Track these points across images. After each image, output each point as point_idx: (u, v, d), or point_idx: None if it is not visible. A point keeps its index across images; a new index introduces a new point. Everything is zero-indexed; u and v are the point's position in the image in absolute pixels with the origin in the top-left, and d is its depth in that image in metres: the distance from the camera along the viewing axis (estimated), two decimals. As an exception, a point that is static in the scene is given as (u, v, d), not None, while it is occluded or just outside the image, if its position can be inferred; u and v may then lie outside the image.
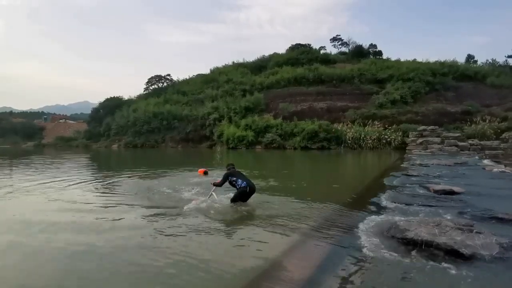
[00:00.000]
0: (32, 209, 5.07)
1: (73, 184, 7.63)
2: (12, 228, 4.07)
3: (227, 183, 5.35)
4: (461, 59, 42.64)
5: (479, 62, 45.47)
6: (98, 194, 6.57)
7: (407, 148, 20.63)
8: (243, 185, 5.14)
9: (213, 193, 5.36)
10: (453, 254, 2.55)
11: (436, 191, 5.26)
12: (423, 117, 27.92)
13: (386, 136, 25.42)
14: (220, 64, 52.61)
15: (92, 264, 2.91)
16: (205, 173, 6.37)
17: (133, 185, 7.65)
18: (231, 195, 5.34)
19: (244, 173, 5.59)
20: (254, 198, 5.27)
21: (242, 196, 5.16)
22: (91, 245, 3.36)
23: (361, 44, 50.54)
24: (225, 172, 5.52)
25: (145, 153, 26.30)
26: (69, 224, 4.16)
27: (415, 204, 4.50)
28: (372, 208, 4.53)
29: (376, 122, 27.54)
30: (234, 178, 5.32)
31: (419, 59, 40.70)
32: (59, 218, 4.47)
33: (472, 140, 19.06)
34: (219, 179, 5.45)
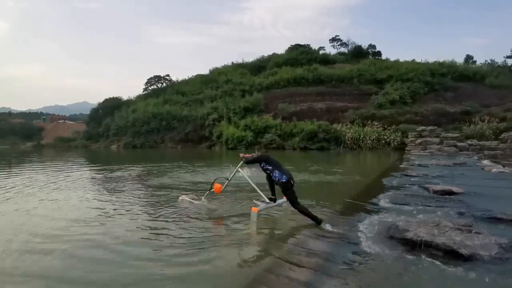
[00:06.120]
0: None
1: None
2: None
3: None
4: (460, 60, 42.87)
5: (478, 63, 45.72)
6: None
7: (406, 148, 20.61)
8: (283, 179, 3.94)
9: (240, 169, 4.68)
10: (452, 255, 2.56)
11: (435, 192, 5.27)
12: (422, 118, 27.96)
13: (385, 137, 25.43)
14: (220, 64, 52.77)
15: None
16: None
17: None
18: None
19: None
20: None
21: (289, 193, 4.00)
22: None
23: (360, 44, 50.82)
24: (260, 154, 4.44)
25: (150, 153, 26.26)
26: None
27: (414, 205, 4.50)
28: (372, 208, 4.53)
29: (375, 123, 27.55)
30: (270, 168, 4.13)
31: (418, 60, 40.91)
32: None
33: (471, 141, 19.06)
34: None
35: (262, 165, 4.23)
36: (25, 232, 3.88)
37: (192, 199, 5.40)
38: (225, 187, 5.00)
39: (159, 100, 43.99)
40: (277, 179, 4.01)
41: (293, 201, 3.95)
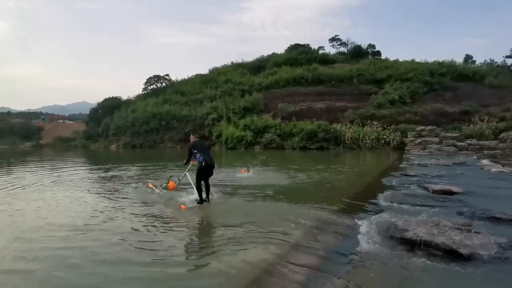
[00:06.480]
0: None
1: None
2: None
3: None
4: (459, 60, 42.86)
5: (477, 63, 45.72)
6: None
7: (405, 148, 20.62)
8: (200, 159, 5.07)
9: (187, 173, 5.87)
10: (452, 254, 2.55)
11: (434, 191, 5.26)
12: (422, 117, 27.95)
13: (385, 136, 25.44)
14: (219, 64, 52.66)
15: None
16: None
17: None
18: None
19: (206, 146, 5.52)
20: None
21: (201, 172, 5.08)
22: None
23: (359, 44, 50.77)
24: (189, 143, 5.46)
25: (149, 153, 26.24)
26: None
27: (413, 204, 4.49)
28: (371, 208, 4.53)
29: (374, 122, 27.55)
30: (195, 151, 5.18)
31: (417, 60, 40.87)
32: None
33: (471, 140, 19.06)
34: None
35: (192, 152, 5.17)
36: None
37: (155, 186, 6.41)
38: (177, 185, 6.12)
39: (159, 100, 43.91)
40: (197, 160, 5.10)
41: (197, 176, 5.03)
